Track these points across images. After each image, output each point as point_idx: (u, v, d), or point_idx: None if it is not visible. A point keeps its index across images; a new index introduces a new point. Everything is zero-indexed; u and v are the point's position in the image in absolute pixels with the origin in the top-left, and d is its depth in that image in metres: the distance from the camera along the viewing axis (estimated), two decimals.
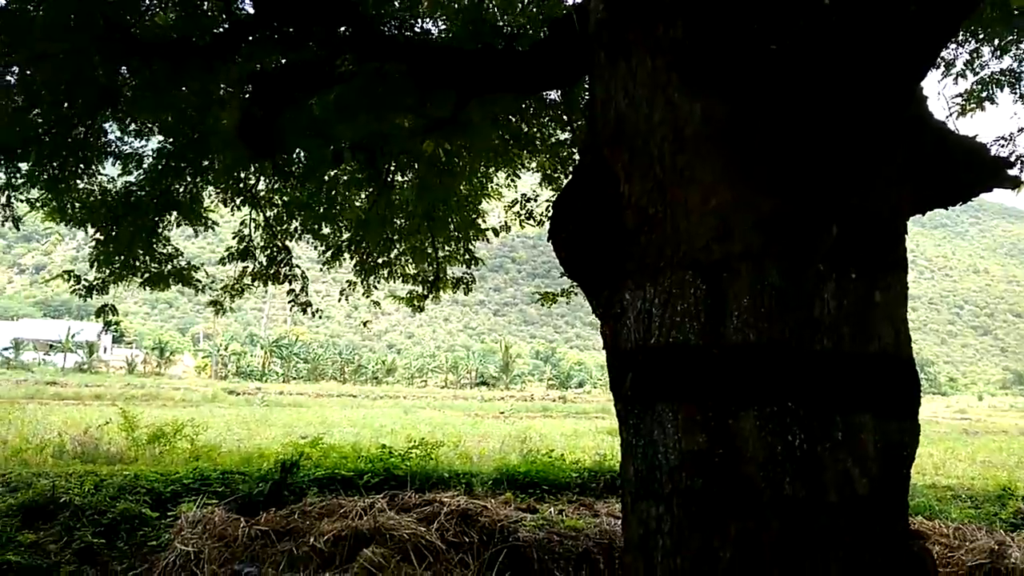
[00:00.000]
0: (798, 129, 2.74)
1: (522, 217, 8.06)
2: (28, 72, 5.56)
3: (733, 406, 2.54)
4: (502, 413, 33.22)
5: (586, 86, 5.17)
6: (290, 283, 8.11)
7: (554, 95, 6.16)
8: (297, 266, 8.13)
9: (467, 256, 8.63)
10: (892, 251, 2.84)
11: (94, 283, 7.50)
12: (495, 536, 7.78)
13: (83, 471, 8.74)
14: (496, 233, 7.83)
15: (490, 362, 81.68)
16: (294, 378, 70.21)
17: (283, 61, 5.20)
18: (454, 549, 7.65)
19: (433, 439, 11.12)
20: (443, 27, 5.35)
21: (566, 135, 7.26)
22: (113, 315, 7.48)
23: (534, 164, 7.44)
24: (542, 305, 8.70)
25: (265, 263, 8.01)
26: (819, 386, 2.58)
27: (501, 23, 5.10)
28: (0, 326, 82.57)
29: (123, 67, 5.49)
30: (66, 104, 6.47)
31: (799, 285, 2.65)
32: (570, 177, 3.22)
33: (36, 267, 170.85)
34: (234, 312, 8.27)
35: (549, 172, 7.37)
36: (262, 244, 8.12)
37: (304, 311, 8.26)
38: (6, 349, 63.28)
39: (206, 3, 5.42)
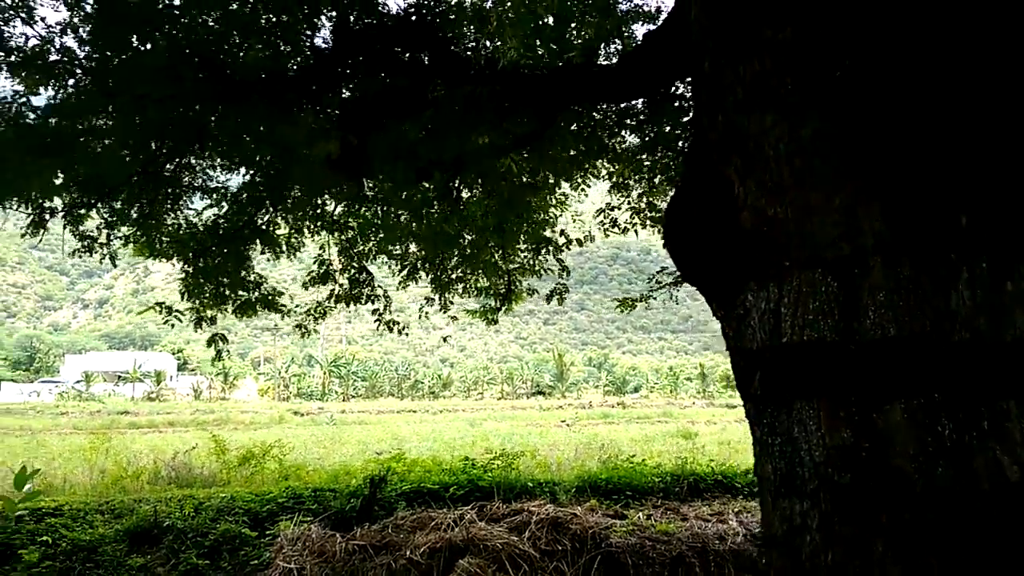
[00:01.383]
0: (921, 121, 2.76)
1: (606, 226, 8.13)
2: (123, 115, 5.85)
3: (878, 400, 2.56)
4: (563, 422, 33.15)
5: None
6: (373, 303, 8.34)
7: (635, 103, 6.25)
8: (379, 286, 8.35)
9: (537, 267, 8.74)
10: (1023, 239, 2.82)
11: (203, 315, 7.79)
12: (587, 543, 7.83)
13: (181, 495, 9.07)
14: (580, 243, 7.92)
15: (544, 371, 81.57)
16: (353, 396, 71.25)
17: (373, 89, 5.39)
18: (548, 557, 7.73)
19: (506, 450, 11.20)
20: (517, 47, 5.48)
21: (636, 140, 7.31)
22: (223, 343, 7.76)
23: (603, 172, 7.51)
24: (621, 311, 8.73)
25: (348, 285, 8.26)
26: (962, 376, 2.59)
27: (579, 40, 5.21)
28: (69, 360, 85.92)
29: (215, 105, 5.77)
30: (156, 144, 6.82)
31: (933, 277, 2.66)
32: (681, 183, 3.28)
33: (99, 301, 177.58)
34: (312, 335, 8.50)
35: (619, 180, 7.42)
36: (340, 267, 8.37)
37: (390, 329, 8.46)
38: (78, 382, 65.70)
39: (293, 37, 5.65)
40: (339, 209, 8.13)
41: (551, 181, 7.25)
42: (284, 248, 8.08)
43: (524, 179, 6.93)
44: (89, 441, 13.40)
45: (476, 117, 5.51)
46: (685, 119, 5.75)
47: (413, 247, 8.73)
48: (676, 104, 5.59)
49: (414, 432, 22.33)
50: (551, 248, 7.87)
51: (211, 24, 5.35)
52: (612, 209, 8.12)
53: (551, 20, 5.77)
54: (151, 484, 9.90)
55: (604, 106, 5.89)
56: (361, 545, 7.95)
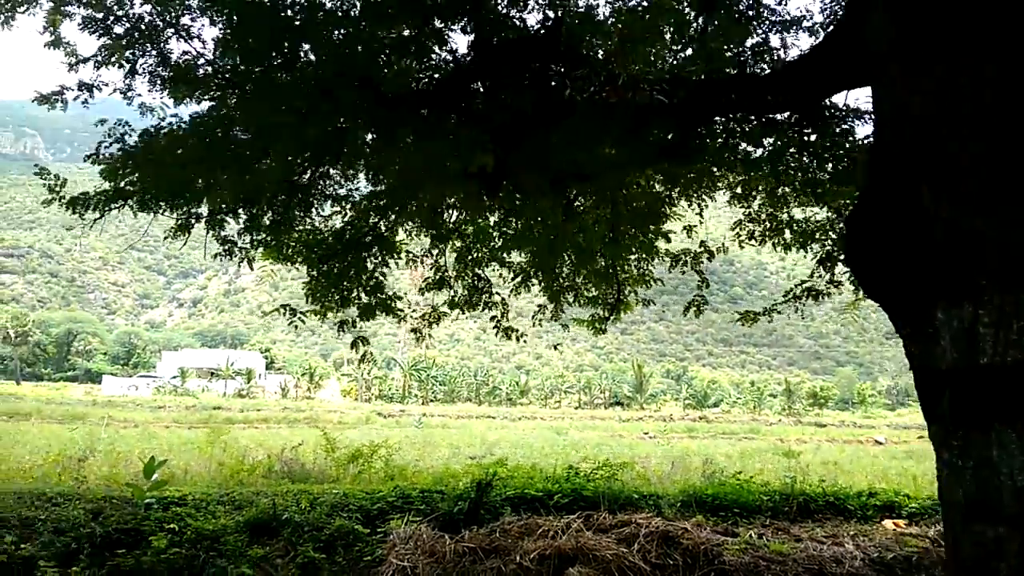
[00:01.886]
0: None
1: (742, 238, 8.01)
2: (280, 128, 6.15)
3: None
4: (646, 433, 32.75)
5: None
6: (490, 309, 8.48)
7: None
8: (497, 293, 8.49)
9: (647, 277, 8.69)
10: None
11: (346, 319, 8.08)
12: (699, 559, 7.71)
13: (296, 490, 9.40)
14: (712, 256, 7.82)
15: (622, 382, 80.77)
16: (432, 400, 72.28)
17: (522, 103, 5.50)
18: (659, 571, 7.64)
19: (608, 460, 11.14)
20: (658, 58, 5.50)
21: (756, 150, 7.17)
22: (364, 345, 8.05)
23: (724, 183, 7.42)
24: (742, 324, 8.59)
25: (467, 293, 8.43)
26: None
27: (730, 52, 5.18)
28: (165, 356, 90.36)
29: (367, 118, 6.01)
30: (304, 155, 7.14)
31: None
32: (863, 195, 3.21)
33: (193, 300, 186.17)
34: (429, 338, 8.69)
35: (743, 191, 7.31)
36: (454, 274, 8.54)
37: (508, 336, 8.58)
38: (174, 378, 68.98)
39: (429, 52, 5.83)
40: (455, 217, 8.31)
41: (675, 192, 7.20)
42: (402, 255, 8.31)
43: (652, 189, 6.92)
44: (205, 435, 14.08)
45: (612, 127, 5.55)
46: (838, 129, 5.63)
47: (519, 256, 8.84)
48: (827, 114, 5.49)
49: (502, 438, 22.51)
50: (688, 260, 7.78)
51: (367, 40, 5.58)
52: (751, 221, 7.97)
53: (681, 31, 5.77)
54: (265, 478, 10.32)
55: (752, 117, 5.82)
56: (471, 548, 8.04)
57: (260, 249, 8.28)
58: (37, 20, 8.75)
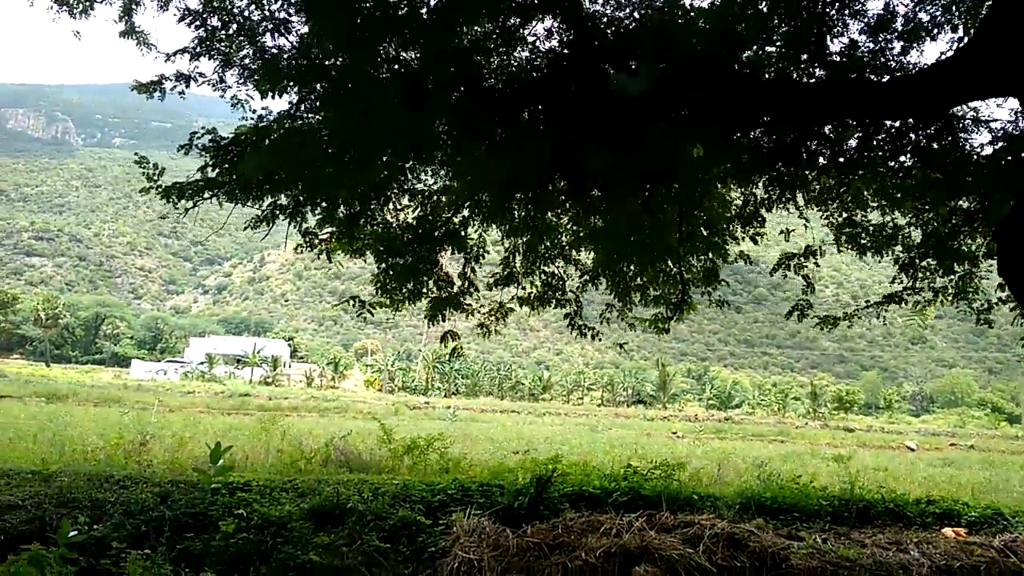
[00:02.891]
0: None
1: (841, 241, 7.91)
2: (369, 123, 6.22)
3: None
4: (675, 433, 32.66)
5: None
6: (563, 307, 8.52)
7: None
8: (571, 290, 8.53)
9: (712, 278, 8.67)
10: None
11: (431, 311, 8.15)
12: (766, 563, 7.72)
13: (356, 479, 9.50)
14: (816, 260, 7.69)
15: (645, 380, 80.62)
16: (454, 393, 72.61)
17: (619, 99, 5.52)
18: (725, 573, 7.66)
19: (649, 459, 11.13)
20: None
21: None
22: (455, 339, 8.13)
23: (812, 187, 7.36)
24: (821, 329, 8.55)
25: (541, 289, 8.48)
26: None
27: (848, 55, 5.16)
28: (193, 343, 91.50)
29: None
30: (372, 150, 7.21)
31: None
32: (1018, 202, 3.21)
33: (218, 288, 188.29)
34: (497, 334, 8.75)
35: (822, 195, 7.27)
36: (523, 270, 8.59)
37: (582, 334, 8.62)
38: (201, 363, 69.86)
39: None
40: (523, 214, 8.34)
41: (770, 194, 7.15)
42: (472, 250, 8.37)
43: (730, 192, 6.91)
44: (250, 422, 14.29)
45: (706, 127, 5.56)
46: (954, 136, 5.59)
47: (586, 254, 8.87)
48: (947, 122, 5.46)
49: (539, 434, 22.59)
50: (792, 264, 7.70)
51: (470, 35, 5.64)
52: (847, 227, 7.85)
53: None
54: (322, 466, 10.44)
55: (867, 123, 5.79)
56: (535, 542, 8.10)
57: (339, 243, 8.36)
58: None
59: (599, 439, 20.76)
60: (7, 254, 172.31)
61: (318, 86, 7.25)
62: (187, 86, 6.63)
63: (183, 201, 6.74)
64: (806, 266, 7.54)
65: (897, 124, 5.60)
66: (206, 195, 6.73)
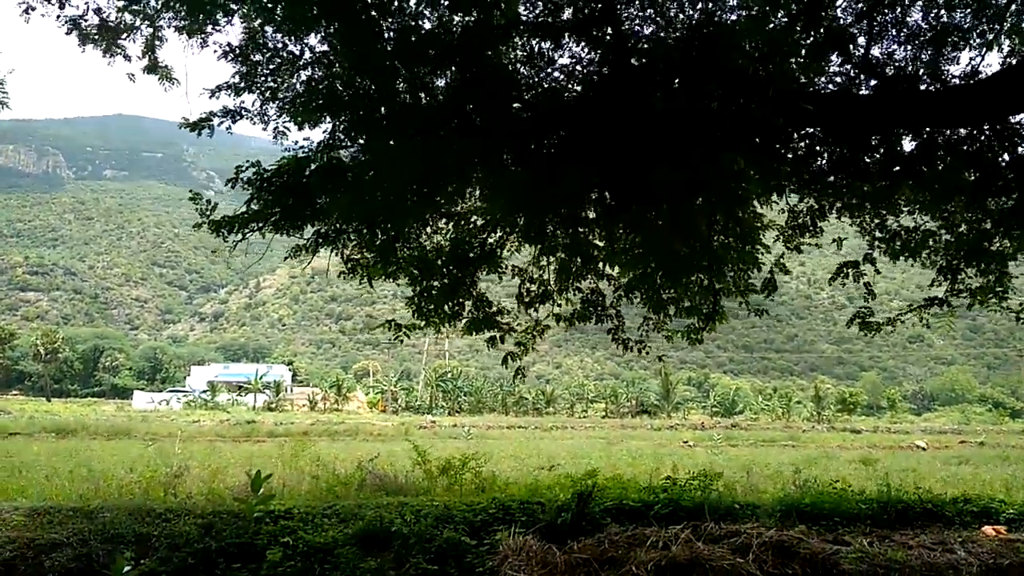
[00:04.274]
0: None
1: (883, 248, 7.99)
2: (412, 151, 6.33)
3: None
4: (686, 442, 32.67)
5: None
6: (604, 322, 8.59)
7: None
8: (611, 306, 8.60)
9: (744, 288, 8.77)
10: None
11: (508, 335, 8.18)
12: (817, 569, 7.76)
13: (395, 502, 9.52)
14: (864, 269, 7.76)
15: (647, 390, 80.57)
16: (458, 411, 72.41)
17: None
18: None
19: (665, 469, 11.15)
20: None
21: None
22: (517, 360, 8.17)
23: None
24: (864, 335, 8.61)
25: (581, 306, 8.55)
26: None
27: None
28: (194, 371, 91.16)
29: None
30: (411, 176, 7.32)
31: None
32: None
33: (214, 315, 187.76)
34: (529, 352, 8.80)
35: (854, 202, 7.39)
36: (557, 287, 8.67)
37: (626, 348, 8.69)
38: (204, 392, 69.55)
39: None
40: (556, 232, 8.43)
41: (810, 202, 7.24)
42: (506, 269, 8.46)
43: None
44: (290, 448, 14.32)
45: (748, 140, 5.67)
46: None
47: (618, 269, 8.95)
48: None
49: (557, 449, 22.59)
50: (853, 274, 7.77)
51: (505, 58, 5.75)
52: (882, 231, 7.89)
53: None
54: (358, 490, 10.45)
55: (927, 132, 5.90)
56: (583, 559, 8.11)
57: (374, 268, 8.42)
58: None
59: (617, 452, 20.76)
60: (1, 290, 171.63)
61: (353, 115, 7.38)
62: (234, 122, 6.72)
63: (232, 235, 6.80)
64: (865, 274, 7.63)
65: (949, 132, 5.74)
66: (253, 227, 6.79)
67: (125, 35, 9.16)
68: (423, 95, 6.92)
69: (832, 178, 6.27)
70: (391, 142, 7.24)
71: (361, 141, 7.59)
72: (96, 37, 9.16)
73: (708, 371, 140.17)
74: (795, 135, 5.91)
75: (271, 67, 6.68)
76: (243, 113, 6.65)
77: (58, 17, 8.87)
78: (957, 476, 15.97)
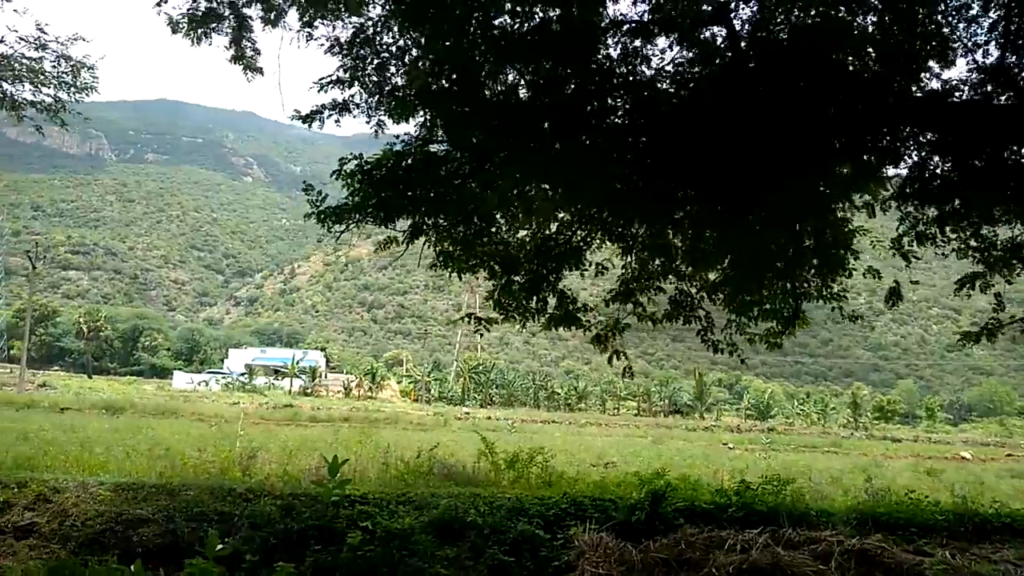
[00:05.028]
0: None
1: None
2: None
3: None
4: (725, 444, 32.46)
5: None
6: (692, 323, 8.59)
7: None
8: (700, 307, 8.60)
9: (830, 292, 8.69)
10: None
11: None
12: None
13: (468, 493, 9.62)
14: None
15: (680, 390, 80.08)
16: (490, 403, 72.69)
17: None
18: None
19: (725, 472, 11.07)
20: None
21: None
22: (624, 358, 8.22)
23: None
24: (963, 345, 8.49)
25: (669, 306, 8.57)
26: None
27: None
28: (232, 354, 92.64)
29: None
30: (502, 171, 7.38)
31: None
32: None
33: (250, 299, 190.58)
34: (609, 349, 8.82)
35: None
36: (639, 287, 8.67)
37: (715, 349, 8.70)
38: (242, 375, 70.64)
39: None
40: (642, 231, 8.44)
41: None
42: (590, 267, 8.48)
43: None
44: (323, 433, 14.53)
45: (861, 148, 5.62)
46: None
47: (694, 271, 8.93)
48: None
49: (606, 446, 22.62)
50: (977, 284, 7.66)
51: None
52: (978, 240, 7.70)
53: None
54: (425, 478, 10.58)
55: None
56: (661, 559, 8.14)
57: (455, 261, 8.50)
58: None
59: (666, 452, 20.72)
60: (44, 268, 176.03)
61: (443, 110, 7.47)
62: (341, 115, 6.83)
63: (336, 225, 6.92)
64: (993, 284, 7.52)
65: None
66: (356, 218, 6.91)
67: (214, 25, 9.35)
68: (509, 90, 6.99)
69: (946, 188, 6.16)
70: (476, 137, 7.32)
71: (450, 135, 7.66)
72: (187, 26, 9.37)
73: (740, 373, 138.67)
74: (911, 142, 5.84)
75: (376, 61, 6.76)
76: (350, 107, 6.74)
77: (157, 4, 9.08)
78: (1020, 490, 15.67)
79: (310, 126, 6.92)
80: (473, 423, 37.01)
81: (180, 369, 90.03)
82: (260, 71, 9.74)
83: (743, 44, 5.97)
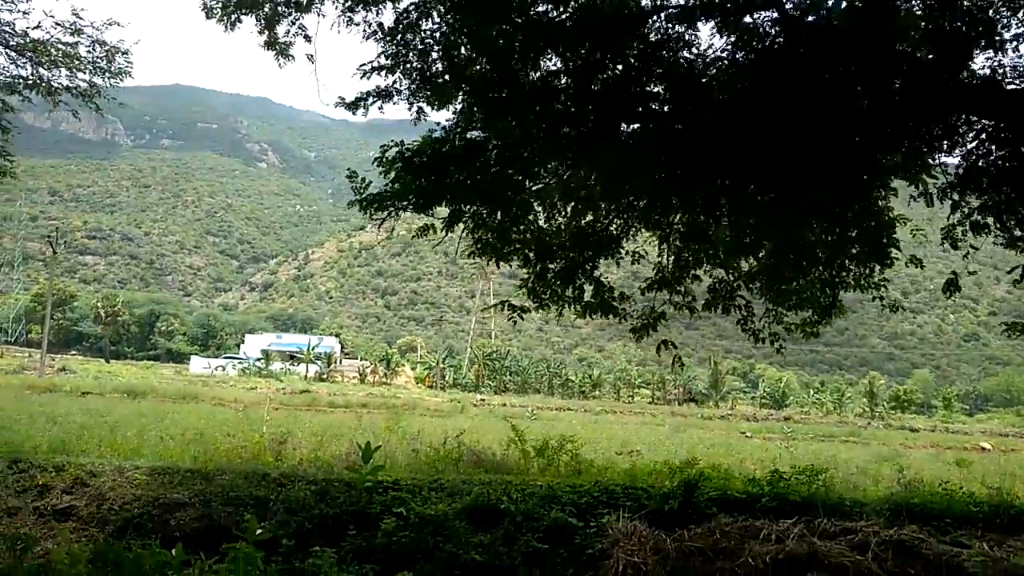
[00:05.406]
0: None
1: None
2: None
3: None
4: (743, 433, 32.40)
5: None
6: (732, 312, 8.55)
7: None
8: (740, 296, 8.55)
9: (868, 281, 8.61)
10: None
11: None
12: (941, 571, 7.65)
13: (499, 480, 9.65)
14: None
15: (695, 378, 79.94)
16: (504, 390, 72.85)
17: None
18: None
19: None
20: None
21: None
22: (672, 348, 8.21)
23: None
24: (1009, 336, 8.39)
25: (708, 294, 8.54)
26: None
27: None
28: (248, 339, 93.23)
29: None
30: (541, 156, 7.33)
31: None
32: None
33: (264, 285, 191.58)
34: (646, 337, 8.78)
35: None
36: (674, 275, 8.63)
37: (757, 339, 8.66)
38: (258, 360, 71.09)
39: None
40: (679, 219, 8.38)
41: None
42: (625, 255, 8.45)
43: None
44: (381, 421, 14.61)
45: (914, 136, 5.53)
46: None
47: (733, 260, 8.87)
48: None
49: (626, 434, 22.63)
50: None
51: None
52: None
53: None
54: (454, 464, 10.62)
55: None
56: (697, 548, 8.12)
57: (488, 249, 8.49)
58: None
59: (688, 440, 20.70)
60: (61, 252, 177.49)
61: (479, 96, 7.43)
62: (384, 103, 6.81)
63: (379, 212, 6.92)
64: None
65: None
66: (398, 205, 6.90)
67: (247, 11, 9.32)
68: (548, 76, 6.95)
69: (1002, 176, 6.06)
70: (512, 122, 7.29)
71: (488, 122, 7.63)
72: (220, 11, 9.35)
73: (754, 361, 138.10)
74: (966, 129, 5.75)
75: (420, 47, 6.73)
76: (392, 94, 6.72)
77: None
78: None
79: (354, 113, 6.90)
80: (491, 410, 37.12)
81: (196, 354, 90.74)
82: (292, 57, 9.74)
83: (791, 29, 5.87)
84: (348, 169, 6.89)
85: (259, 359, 69.80)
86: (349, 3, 6.81)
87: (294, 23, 8.98)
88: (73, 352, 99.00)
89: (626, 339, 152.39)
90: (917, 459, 19.49)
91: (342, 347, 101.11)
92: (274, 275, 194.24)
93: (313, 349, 70.66)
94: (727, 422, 43.53)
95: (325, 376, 67.60)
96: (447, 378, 73.05)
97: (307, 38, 7.20)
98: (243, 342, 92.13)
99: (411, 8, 6.58)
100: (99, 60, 9.89)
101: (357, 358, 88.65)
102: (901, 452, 22.09)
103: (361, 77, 6.61)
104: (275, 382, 57.46)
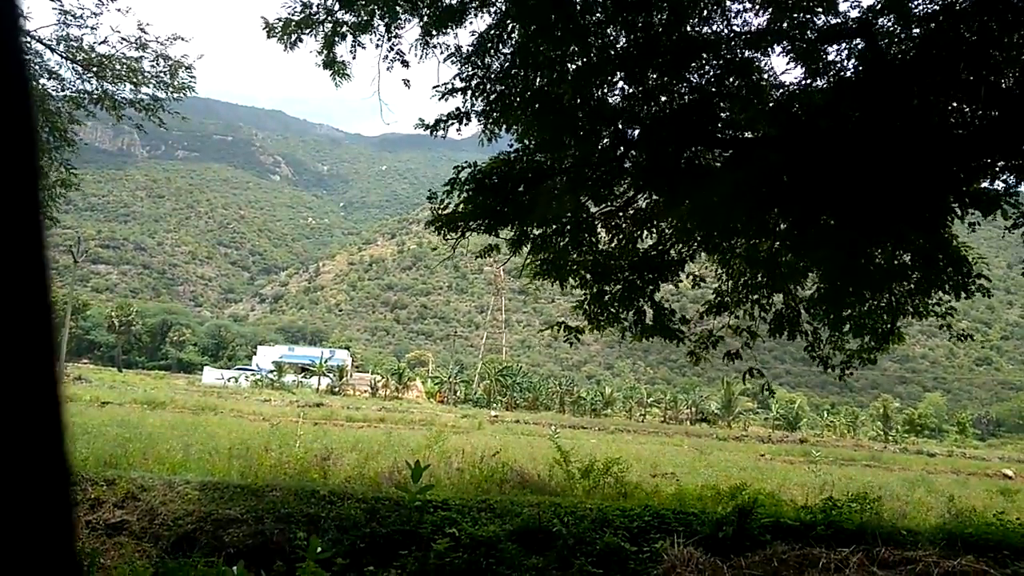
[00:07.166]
0: None
1: None
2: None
3: None
4: (762, 456, 32.13)
5: None
6: (798, 338, 8.52)
7: None
8: (808, 321, 8.53)
9: (939, 309, 8.55)
10: None
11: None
12: None
13: (548, 501, 9.59)
14: None
15: (708, 398, 79.50)
16: (516, 406, 72.55)
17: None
18: None
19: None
20: None
21: None
22: (760, 377, 8.18)
23: None
24: None
25: (775, 321, 8.51)
26: None
27: None
28: (260, 351, 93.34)
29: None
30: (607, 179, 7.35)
31: None
32: None
33: (274, 296, 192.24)
34: (702, 361, 8.74)
35: None
36: (734, 300, 8.62)
37: (825, 366, 8.63)
38: (271, 372, 71.09)
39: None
40: (741, 243, 8.38)
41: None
42: (684, 279, 8.45)
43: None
44: (425, 438, 14.57)
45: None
46: None
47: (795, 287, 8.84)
48: None
49: (652, 455, 22.47)
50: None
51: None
52: None
53: None
54: (499, 485, 10.57)
55: None
56: None
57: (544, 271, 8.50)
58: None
59: (715, 462, 20.50)
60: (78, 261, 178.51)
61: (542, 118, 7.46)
62: (462, 124, 6.85)
63: (451, 233, 6.94)
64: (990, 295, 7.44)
65: None
66: (469, 226, 6.93)
67: (309, 31, 9.43)
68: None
69: None
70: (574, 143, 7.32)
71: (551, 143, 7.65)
72: (281, 30, 9.46)
73: (765, 382, 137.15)
74: None
75: (499, 72, 6.78)
76: (470, 115, 6.76)
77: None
78: None
79: (433, 135, 6.93)
80: (507, 427, 36.97)
81: (207, 365, 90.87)
82: (349, 77, 9.83)
83: (875, 59, 5.89)
84: (429, 190, 6.93)
85: (271, 371, 69.83)
86: (429, 28, 6.86)
87: (355, 44, 9.04)
88: (84, 361, 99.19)
89: (635, 357, 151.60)
90: (945, 484, 19.26)
91: (352, 360, 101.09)
92: (285, 287, 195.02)
93: (325, 362, 70.69)
94: (743, 443, 43.17)
95: (337, 389, 67.52)
96: (458, 393, 72.88)
97: (404, 63, 7.25)
98: (255, 353, 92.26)
99: (490, 31, 6.64)
100: (163, 74, 10.02)
101: (367, 371, 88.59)
102: (927, 478, 21.84)
103: (439, 99, 6.66)
104: (287, 394, 57.43)
